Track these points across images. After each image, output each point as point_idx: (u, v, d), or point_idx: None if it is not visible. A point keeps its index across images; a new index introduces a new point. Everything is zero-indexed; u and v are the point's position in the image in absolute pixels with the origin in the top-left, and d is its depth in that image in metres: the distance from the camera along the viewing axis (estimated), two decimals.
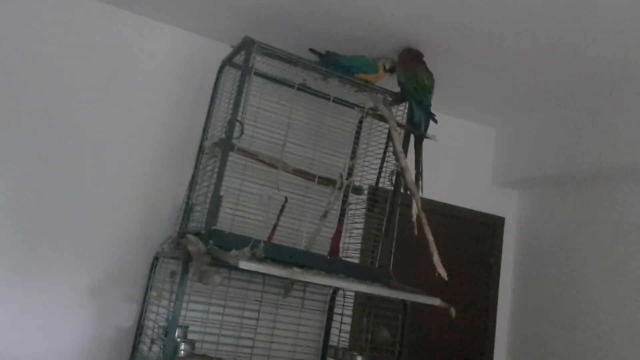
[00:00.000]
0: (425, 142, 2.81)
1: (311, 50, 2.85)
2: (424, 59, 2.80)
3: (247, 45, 2.45)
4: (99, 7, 2.90)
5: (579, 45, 2.58)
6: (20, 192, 2.66)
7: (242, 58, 2.49)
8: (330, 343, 2.97)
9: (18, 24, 2.74)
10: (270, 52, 2.51)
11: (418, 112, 2.79)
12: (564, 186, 3.65)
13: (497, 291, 3.83)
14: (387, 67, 2.80)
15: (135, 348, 2.65)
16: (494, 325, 3.78)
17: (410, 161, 2.68)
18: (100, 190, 2.81)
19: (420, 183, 2.73)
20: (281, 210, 2.76)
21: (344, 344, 2.92)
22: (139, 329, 2.68)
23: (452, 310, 2.35)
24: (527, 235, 3.88)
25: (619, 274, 3.16)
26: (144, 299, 2.72)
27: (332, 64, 2.75)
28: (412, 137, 2.83)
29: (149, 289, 2.70)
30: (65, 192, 2.74)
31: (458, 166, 3.73)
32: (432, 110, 2.82)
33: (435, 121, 2.79)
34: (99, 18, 2.90)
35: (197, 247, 2.16)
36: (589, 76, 2.89)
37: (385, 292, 2.34)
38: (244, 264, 1.97)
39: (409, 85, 2.74)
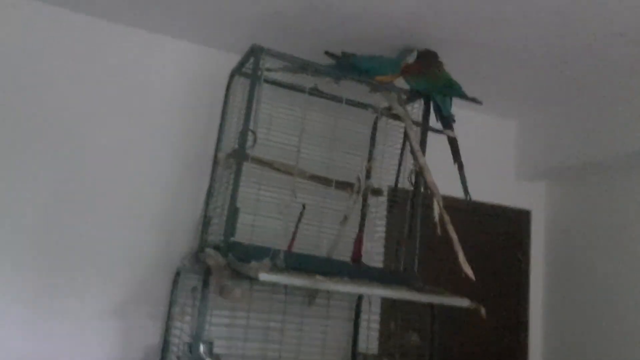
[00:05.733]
0: (446, 138, 2.73)
1: (327, 53, 2.80)
2: (439, 59, 2.75)
3: (255, 53, 2.42)
4: (106, 27, 2.90)
5: (598, 26, 2.48)
6: (39, 216, 2.66)
7: (251, 66, 2.45)
8: (359, 350, 2.91)
9: (30, 47, 2.75)
10: (279, 58, 2.47)
11: (446, 105, 2.71)
12: (590, 175, 3.53)
13: (527, 287, 3.72)
14: (410, 62, 2.73)
15: None
16: (526, 323, 3.68)
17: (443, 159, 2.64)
18: (118, 209, 2.80)
19: (462, 176, 2.66)
20: (299, 218, 2.71)
21: (373, 350, 2.86)
22: (165, 346, 2.65)
23: (482, 311, 2.28)
24: (556, 228, 3.77)
25: None
26: (168, 316, 2.69)
27: (348, 66, 2.70)
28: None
29: (171, 306, 2.67)
30: (84, 213, 2.74)
31: (480, 161, 3.61)
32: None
33: (480, 101, 2.71)
34: (107, 37, 2.90)
35: (216, 260, 2.13)
36: (611, 60, 2.79)
37: (411, 296, 2.28)
38: (264, 276, 1.92)
39: (437, 85, 2.67)
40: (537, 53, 2.80)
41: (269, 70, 2.53)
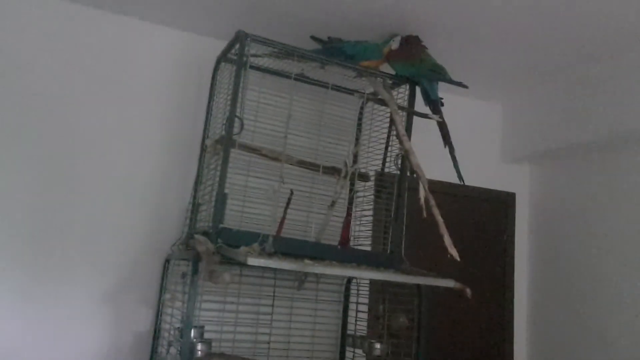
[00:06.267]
0: (432, 122, 2.75)
1: (312, 37, 2.81)
2: (423, 43, 2.76)
3: (240, 39, 2.42)
4: (93, 14, 2.88)
5: (580, 7, 2.51)
6: (28, 203, 2.66)
7: (237, 53, 2.45)
8: (348, 332, 2.95)
9: (16, 33, 2.73)
10: (264, 44, 2.47)
11: (434, 90, 2.73)
12: (575, 157, 3.58)
13: (512, 268, 3.78)
14: (393, 49, 2.74)
15: (153, 352, 2.65)
16: (511, 304, 3.75)
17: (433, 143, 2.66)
18: (107, 196, 2.80)
19: (454, 159, 2.68)
20: (288, 203, 2.74)
21: (362, 332, 2.91)
22: (156, 332, 2.68)
23: (468, 291, 2.32)
24: (541, 210, 3.82)
25: None
26: (159, 302, 2.72)
27: (334, 52, 2.71)
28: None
29: (162, 292, 2.69)
30: (73, 201, 2.74)
31: (465, 145, 3.61)
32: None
33: (463, 84, 2.71)
34: (94, 24, 2.88)
35: (206, 246, 2.15)
36: (593, 41, 2.82)
37: (398, 278, 2.32)
38: (253, 261, 1.94)
39: (423, 70, 2.68)
40: (521, 37, 2.82)
41: (254, 56, 2.53)
